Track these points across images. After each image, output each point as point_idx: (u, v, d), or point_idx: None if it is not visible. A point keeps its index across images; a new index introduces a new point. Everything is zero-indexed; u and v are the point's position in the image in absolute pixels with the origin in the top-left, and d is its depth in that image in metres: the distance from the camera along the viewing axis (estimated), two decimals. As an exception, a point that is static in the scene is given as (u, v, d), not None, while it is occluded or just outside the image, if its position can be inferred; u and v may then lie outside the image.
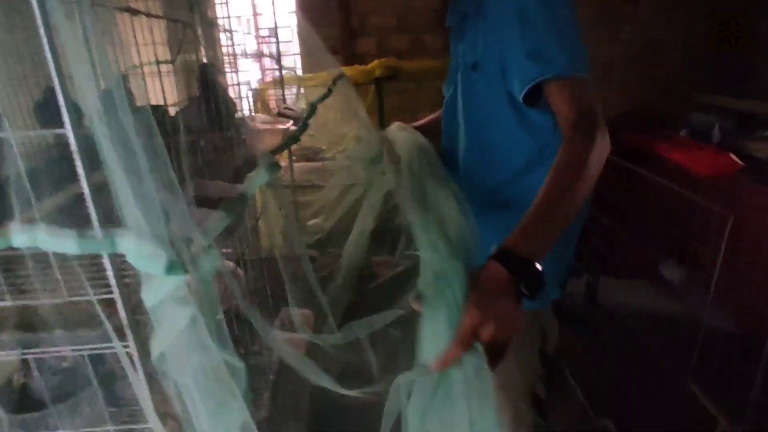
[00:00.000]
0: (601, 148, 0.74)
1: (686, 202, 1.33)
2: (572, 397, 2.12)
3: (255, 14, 3.19)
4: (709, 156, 1.49)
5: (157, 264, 0.42)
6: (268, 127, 1.20)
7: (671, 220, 1.44)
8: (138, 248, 0.42)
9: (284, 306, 1.33)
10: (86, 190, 0.45)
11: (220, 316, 1.22)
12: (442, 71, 1.24)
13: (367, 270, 2.28)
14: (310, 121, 1.34)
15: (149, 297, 0.44)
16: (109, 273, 0.46)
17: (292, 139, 1.15)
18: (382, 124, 3.04)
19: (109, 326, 0.47)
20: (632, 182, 1.65)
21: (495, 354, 0.60)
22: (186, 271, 0.43)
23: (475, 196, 1.16)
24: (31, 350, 0.49)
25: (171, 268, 0.42)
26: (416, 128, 1.37)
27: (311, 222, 2.12)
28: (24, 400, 0.99)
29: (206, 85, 1.17)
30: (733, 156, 1.46)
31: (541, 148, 0.96)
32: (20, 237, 0.44)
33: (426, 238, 0.78)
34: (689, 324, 1.42)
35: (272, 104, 2.21)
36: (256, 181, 0.66)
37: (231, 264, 1.35)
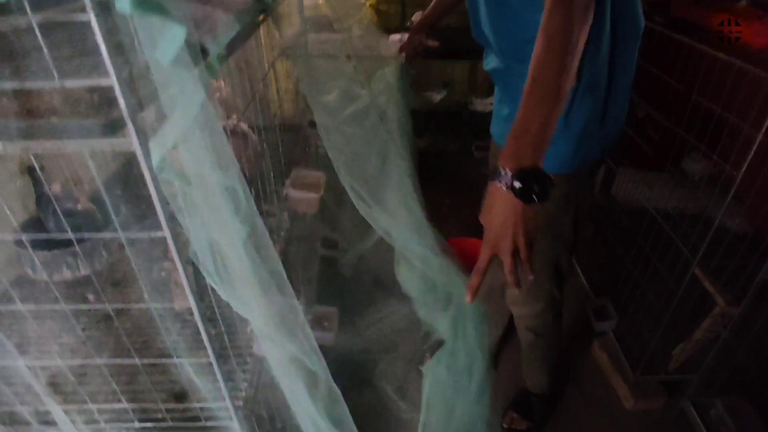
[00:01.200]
0: (586, 15, 0.69)
1: (735, 75, 1.21)
2: (574, 278, 2.20)
3: None
4: (768, 28, 1.33)
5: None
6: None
7: (714, 97, 1.33)
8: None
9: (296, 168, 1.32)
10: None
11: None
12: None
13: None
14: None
15: (162, 54, 0.41)
16: (103, 51, 0.42)
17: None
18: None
19: (124, 105, 0.43)
20: (680, 56, 1.50)
21: (517, 262, 0.65)
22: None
23: (507, 58, 1.08)
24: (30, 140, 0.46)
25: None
26: (427, 18, 1.47)
27: (324, 99, 2.01)
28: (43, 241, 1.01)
29: None
30: (797, 27, 1.30)
31: None
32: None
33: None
34: (702, 219, 1.39)
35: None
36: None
37: (244, 126, 1.31)
